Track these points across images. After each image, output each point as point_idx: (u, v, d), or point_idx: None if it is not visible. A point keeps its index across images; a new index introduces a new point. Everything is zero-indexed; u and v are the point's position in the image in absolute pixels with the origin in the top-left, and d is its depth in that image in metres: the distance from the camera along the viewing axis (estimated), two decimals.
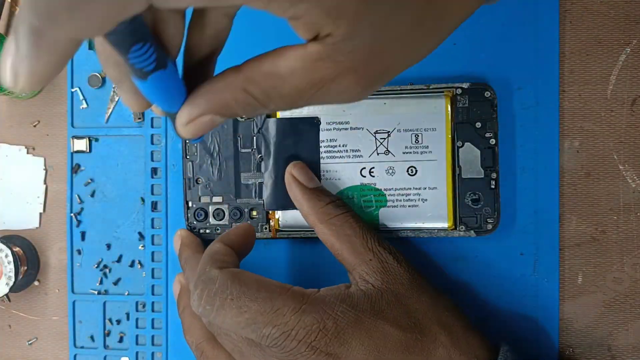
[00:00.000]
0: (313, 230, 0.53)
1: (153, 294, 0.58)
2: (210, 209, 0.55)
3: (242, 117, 0.54)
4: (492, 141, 0.52)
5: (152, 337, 0.59)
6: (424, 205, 0.52)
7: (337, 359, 0.43)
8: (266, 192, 0.54)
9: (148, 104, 0.35)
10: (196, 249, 0.53)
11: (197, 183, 0.55)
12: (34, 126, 0.60)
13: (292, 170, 0.52)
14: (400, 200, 0.53)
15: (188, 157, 0.55)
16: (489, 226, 0.52)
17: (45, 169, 0.60)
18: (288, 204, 0.53)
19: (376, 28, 0.31)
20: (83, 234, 0.59)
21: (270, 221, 0.55)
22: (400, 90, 0.53)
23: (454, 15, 0.36)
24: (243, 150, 0.55)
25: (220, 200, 0.55)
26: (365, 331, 0.44)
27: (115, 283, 0.59)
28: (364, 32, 0.30)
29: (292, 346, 0.43)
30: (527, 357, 0.53)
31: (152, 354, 0.59)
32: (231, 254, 0.49)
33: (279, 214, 0.54)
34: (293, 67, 0.32)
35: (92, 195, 0.59)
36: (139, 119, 0.58)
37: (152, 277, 0.59)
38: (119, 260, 0.59)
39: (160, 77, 0.32)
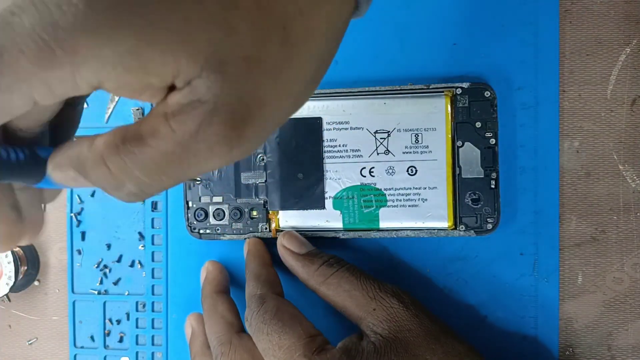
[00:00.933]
0: (313, 230, 0.53)
1: (153, 294, 0.58)
2: (210, 209, 0.55)
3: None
4: (492, 141, 0.52)
5: (152, 337, 0.59)
6: (424, 205, 0.52)
7: None
8: (269, 192, 0.54)
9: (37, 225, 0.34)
10: (217, 287, 0.54)
11: (197, 183, 0.55)
12: None
13: (283, 241, 0.53)
14: (400, 200, 0.53)
15: None
16: (489, 226, 0.52)
17: None
18: (290, 204, 0.54)
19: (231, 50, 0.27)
20: (83, 234, 0.59)
21: (271, 221, 0.55)
22: (400, 90, 0.53)
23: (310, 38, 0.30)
24: None
25: (221, 200, 0.55)
26: None
27: (115, 283, 0.59)
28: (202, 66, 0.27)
29: None
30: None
31: (152, 354, 0.59)
32: (272, 273, 0.53)
33: (279, 214, 0.54)
34: (154, 127, 0.28)
35: (92, 195, 0.59)
36: (139, 119, 0.58)
37: (152, 277, 0.59)
38: (119, 260, 0.59)
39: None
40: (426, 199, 0.52)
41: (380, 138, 0.52)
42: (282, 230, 0.54)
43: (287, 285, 0.53)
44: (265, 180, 0.54)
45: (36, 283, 0.60)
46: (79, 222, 0.59)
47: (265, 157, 0.54)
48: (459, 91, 0.52)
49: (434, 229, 0.52)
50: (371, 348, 0.46)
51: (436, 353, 0.46)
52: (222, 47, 0.27)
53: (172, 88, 0.28)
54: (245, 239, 0.55)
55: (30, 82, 0.26)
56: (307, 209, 0.54)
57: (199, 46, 0.26)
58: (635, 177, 0.53)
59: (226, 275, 0.56)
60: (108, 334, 0.59)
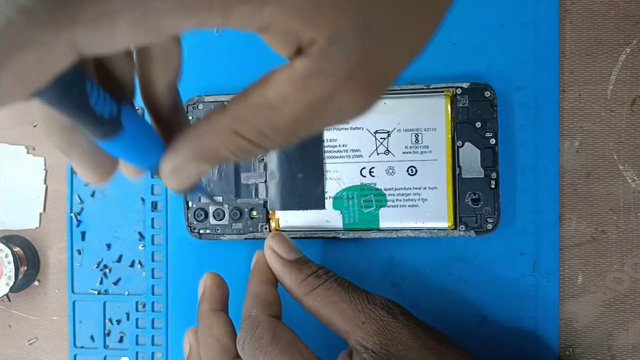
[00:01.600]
0: (313, 230, 0.53)
1: (153, 294, 0.58)
2: (210, 209, 0.55)
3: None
4: (492, 141, 0.52)
5: (152, 337, 0.59)
6: (424, 205, 0.52)
7: None
8: (269, 192, 0.54)
9: (112, 170, 0.32)
10: (214, 304, 0.50)
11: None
12: (34, 126, 0.60)
13: (271, 243, 0.50)
14: (401, 200, 0.53)
15: None
16: (489, 226, 0.52)
17: (45, 169, 0.60)
18: (290, 204, 0.54)
19: (364, 22, 0.26)
20: (83, 234, 0.59)
21: (271, 221, 0.55)
22: (400, 90, 0.53)
23: None
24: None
25: (220, 200, 0.55)
26: None
27: (115, 283, 0.59)
28: (352, 29, 0.26)
29: None
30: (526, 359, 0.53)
31: (152, 354, 0.59)
32: (271, 292, 0.49)
33: (279, 214, 0.54)
34: (283, 93, 0.28)
35: (92, 195, 0.59)
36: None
37: (152, 277, 0.59)
38: (119, 260, 0.59)
39: (129, 129, 0.29)
40: (426, 199, 0.52)
41: (381, 138, 0.52)
42: (282, 230, 0.54)
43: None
44: (265, 180, 0.54)
45: (36, 283, 0.60)
46: (79, 222, 0.59)
47: (265, 157, 0.54)
48: (459, 91, 0.52)
49: (434, 229, 0.52)
50: None
51: None
52: (364, 16, 0.26)
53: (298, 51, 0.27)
54: (245, 239, 0.55)
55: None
56: (307, 209, 0.54)
57: (344, 12, 0.26)
58: (635, 177, 0.53)
59: (225, 290, 0.52)
60: (108, 334, 0.59)
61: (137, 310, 0.59)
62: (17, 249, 0.58)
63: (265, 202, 0.55)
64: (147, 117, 0.33)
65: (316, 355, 0.45)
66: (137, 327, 0.59)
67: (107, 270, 0.59)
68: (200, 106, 0.55)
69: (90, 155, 0.30)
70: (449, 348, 0.47)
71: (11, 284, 0.57)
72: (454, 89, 0.52)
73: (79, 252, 0.59)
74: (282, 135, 0.29)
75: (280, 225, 0.54)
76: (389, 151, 0.52)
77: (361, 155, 0.53)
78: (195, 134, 0.30)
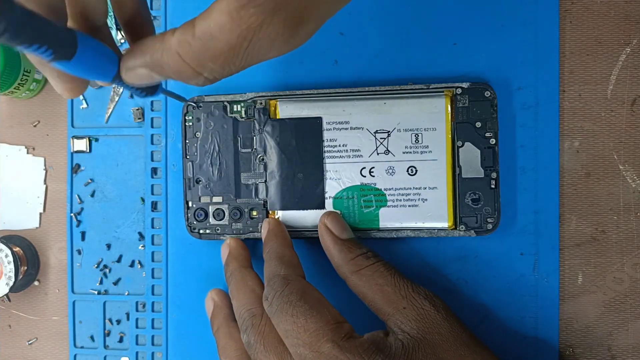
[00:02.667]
0: (313, 230, 0.53)
1: (153, 294, 0.58)
2: (210, 209, 0.55)
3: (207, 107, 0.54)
4: (492, 141, 0.52)
5: (152, 337, 0.59)
6: (424, 205, 0.52)
7: None
8: (269, 192, 0.54)
9: (83, 84, 0.37)
10: (243, 262, 0.53)
11: (197, 183, 0.55)
12: (34, 126, 0.60)
13: (326, 220, 0.52)
14: (401, 200, 0.53)
15: (188, 157, 0.55)
16: (489, 226, 0.52)
17: (45, 169, 0.60)
18: (290, 204, 0.54)
19: None
20: (83, 234, 0.59)
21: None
22: (400, 90, 0.53)
23: None
24: (243, 150, 0.55)
25: (220, 200, 0.55)
26: None
27: (115, 283, 0.59)
28: None
29: None
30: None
31: (152, 354, 0.59)
32: (295, 256, 0.51)
33: (279, 214, 0.54)
34: (220, 23, 0.31)
35: (92, 195, 0.59)
36: (139, 119, 0.58)
37: (152, 277, 0.59)
38: (119, 260, 0.59)
39: (80, 56, 0.33)
40: (426, 199, 0.52)
41: (381, 138, 0.52)
42: None
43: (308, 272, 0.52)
44: (265, 180, 0.54)
45: (36, 283, 0.60)
46: (79, 222, 0.59)
47: (265, 157, 0.54)
48: (459, 91, 0.52)
49: (434, 229, 0.52)
50: (399, 345, 0.45)
51: (464, 359, 0.46)
52: None
53: None
54: (245, 238, 0.55)
55: None
56: (307, 209, 0.54)
57: None
58: (635, 177, 0.53)
59: (248, 251, 0.55)
60: (108, 334, 0.59)
61: (137, 310, 0.59)
62: (17, 249, 0.58)
63: (265, 202, 0.55)
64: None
65: (342, 316, 0.46)
66: (137, 327, 0.59)
67: (107, 270, 0.59)
68: (201, 106, 0.55)
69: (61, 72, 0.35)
70: (482, 348, 0.47)
71: (11, 284, 0.57)
72: (454, 89, 0.52)
73: (79, 252, 0.59)
74: (219, 63, 0.33)
75: None
76: (389, 151, 0.52)
77: (361, 155, 0.53)
78: (145, 46, 0.35)
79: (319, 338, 0.44)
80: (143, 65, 0.35)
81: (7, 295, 0.57)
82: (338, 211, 0.53)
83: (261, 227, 0.54)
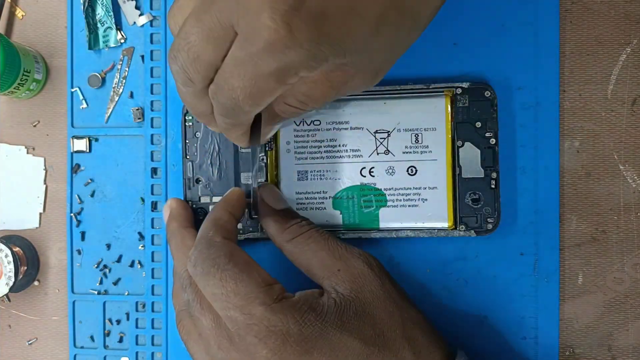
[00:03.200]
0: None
1: (153, 294, 0.58)
2: (210, 209, 0.55)
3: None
4: (492, 141, 0.52)
5: (152, 337, 0.59)
6: (424, 205, 0.52)
7: None
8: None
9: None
10: (183, 222, 0.53)
11: (197, 183, 0.55)
12: (34, 126, 0.60)
13: (262, 192, 0.53)
14: (400, 200, 0.53)
15: (188, 157, 0.55)
16: (489, 226, 0.52)
17: (45, 169, 0.60)
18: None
19: (367, 44, 0.38)
20: (83, 234, 0.59)
21: None
22: (400, 90, 0.53)
23: (423, 13, 0.42)
24: (243, 150, 0.55)
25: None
26: (329, 344, 0.44)
27: (115, 283, 0.59)
28: (360, 52, 0.38)
29: (252, 342, 0.43)
30: None
31: (152, 354, 0.59)
32: (232, 222, 0.51)
33: None
34: (317, 79, 0.39)
35: (92, 195, 0.59)
36: (139, 119, 0.58)
37: (152, 277, 0.58)
38: (119, 260, 0.59)
39: None
40: (426, 199, 0.52)
41: (380, 138, 0.52)
42: None
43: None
44: (265, 180, 0.54)
45: (36, 283, 0.60)
46: (79, 222, 0.59)
47: (265, 157, 0.54)
48: (459, 91, 0.52)
49: (434, 229, 0.52)
50: (332, 303, 0.45)
51: (393, 316, 0.46)
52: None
53: None
54: (245, 238, 0.55)
55: None
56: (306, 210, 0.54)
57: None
58: (635, 177, 0.53)
59: (190, 211, 0.55)
60: (108, 334, 0.59)
61: (137, 310, 0.59)
62: (17, 249, 0.58)
63: None
64: None
65: (273, 277, 0.46)
66: (137, 327, 0.59)
67: (107, 270, 0.59)
68: None
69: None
70: (410, 306, 0.49)
71: (11, 284, 0.57)
72: (454, 89, 0.52)
73: (79, 252, 0.59)
74: (317, 103, 0.41)
75: None
76: (388, 151, 0.52)
77: (361, 155, 0.53)
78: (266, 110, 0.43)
79: (250, 301, 0.44)
80: (265, 124, 0.46)
81: (7, 295, 0.57)
82: (271, 184, 0.54)
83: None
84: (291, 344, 0.43)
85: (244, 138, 0.46)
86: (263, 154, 0.53)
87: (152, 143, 0.58)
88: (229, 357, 0.44)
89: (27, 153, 0.60)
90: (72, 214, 0.59)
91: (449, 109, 0.52)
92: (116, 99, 0.59)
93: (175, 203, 0.55)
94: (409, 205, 0.52)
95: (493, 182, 0.52)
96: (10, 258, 0.57)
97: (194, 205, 0.55)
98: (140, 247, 0.59)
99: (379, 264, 0.49)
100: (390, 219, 0.53)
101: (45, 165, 0.60)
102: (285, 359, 0.43)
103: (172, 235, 0.53)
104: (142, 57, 0.58)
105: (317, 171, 0.53)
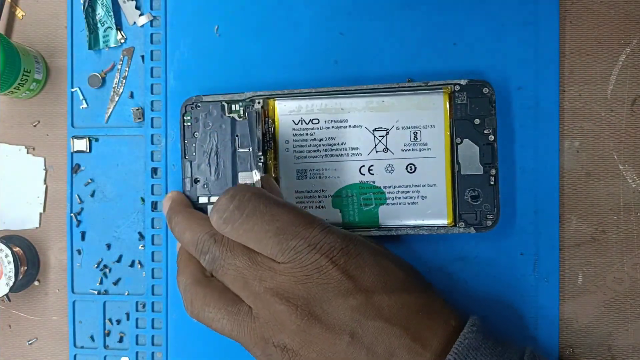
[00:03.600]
0: None
1: (153, 294, 0.58)
2: (209, 209, 0.55)
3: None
4: (491, 137, 0.52)
5: (152, 337, 0.59)
6: (423, 203, 0.52)
7: (353, 280, 0.44)
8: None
9: None
10: (188, 205, 0.55)
11: (196, 183, 0.55)
12: (34, 126, 0.60)
13: (263, 183, 0.52)
14: (400, 198, 0.53)
15: (187, 157, 0.55)
16: (489, 222, 0.52)
17: (45, 169, 0.60)
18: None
19: None
20: (83, 234, 0.59)
21: None
22: (399, 87, 0.53)
23: None
24: (240, 150, 0.55)
25: None
26: (377, 263, 0.46)
27: (115, 283, 0.59)
28: None
29: (314, 259, 0.44)
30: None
31: (152, 354, 0.58)
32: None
33: None
34: None
35: (92, 195, 0.59)
36: (139, 119, 0.58)
37: (152, 277, 0.59)
38: (119, 260, 0.59)
39: None
40: (425, 197, 0.52)
41: (379, 136, 0.52)
42: None
43: None
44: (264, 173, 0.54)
45: (36, 283, 0.60)
46: (79, 222, 0.59)
47: (262, 157, 0.54)
48: (457, 88, 0.52)
49: (434, 226, 0.52)
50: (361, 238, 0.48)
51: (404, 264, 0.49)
52: None
53: None
54: None
55: None
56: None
57: None
58: (635, 177, 0.53)
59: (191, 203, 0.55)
60: (108, 334, 0.59)
61: (137, 310, 0.59)
62: (17, 249, 0.58)
63: None
64: None
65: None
66: (137, 327, 0.59)
67: (107, 270, 0.59)
68: (199, 106, 0.55)
69: None
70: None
71: (11, 284, 0.57)
72: (452, 86, 0.52)
73: (79, 252, 0.59)
74: None
75: None
76: (387, 149, 0.52)
77: (360, 154, 0.53)
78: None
79: (308, 227, 0.45)
80: None
81: (7, 295, 0.57)
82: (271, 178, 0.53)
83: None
84: (349, 257, 0.45)
85: None
86: (261, 153, 0.53)
87: (152, 143, 0.58)
88: (274, 283, 0.45)
89: (27, 153, 0.60)
90: (72, 214, 0.59)
91: (448, 106, 0.52)
92: (116, 99, 0.59)
93: (178, 194, 0.55)
94: (409, 203, 0.52)
95: (492, 178, 0.52)
96: (11, 258, 0.57)
97: (193, 205, 0.55)
98: (140, 247, 0.59)
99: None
100: (389, 217, 0.53)
101: (45, 165, 0.60)
102: (343, 269, 0.44)
103: (179, 213, 0.52)
104: (142, 57, 0.58)
105: (317, 170, 0.53)
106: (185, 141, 0.55)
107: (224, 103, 0.54)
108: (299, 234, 0.44)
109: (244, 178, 0.54)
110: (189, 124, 0.55)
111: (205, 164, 0.55)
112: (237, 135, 0.55)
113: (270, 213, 0.45)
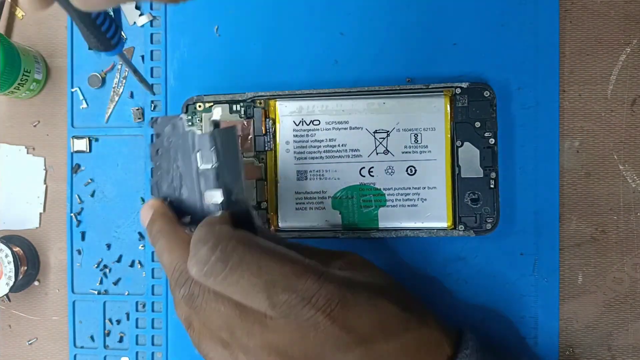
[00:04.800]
0: (312, 230, 0.53)
1: (153, 294, 0.58)
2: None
3: None
4: (492, 141, 0.52)
5: (152, 337, 0.59)
6: (423, 205, 0.52)
7: (351, 333, 0.41)
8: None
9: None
10: (172, 220, 0.46)
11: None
12: (34, 126, 0.60)
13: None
14: (400, 200, 0.53)
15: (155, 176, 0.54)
16: (488, 226, 0.52)
17: (45, 169, 0.60)
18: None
19: None
20: (83, 234, 0.59)
21: (270, 221, 0.55)
22: (400, 89, 0.53)
23: None
24: (202, 167, 0.53)
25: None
26: (374, 306, 0.43)
27: (115, 283, 0.59)
28: None
29: (308, 315, 0.40)
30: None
31: (152, 354, 0.59)
32: (227, 219, 0.44)
33: (278, 214, 0.54)
34: None
35: (92, 195, 0.59)
36: (139, 119, 0.58)
37: (152, 277, 0.59)
38: (119, 260, 0.59)
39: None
40: (425, 199, 0.52)
41: (380, 138, 0.52)
42: (281, 230, 0.54)
43: None
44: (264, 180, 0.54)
45: (36, 283, 0.60)
46: (79, 222, 0.59)
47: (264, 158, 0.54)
48: (458, 91, 0.52)
49: (434, 229, 0.52)
50: (361, 276, 0.46)
51: (403, 291, 0.48)
52: None
53: None
54: None
55: None
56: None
57: None
58: (635, 177, 0.53)
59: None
60: (108, 334, 0.59)
61: (137, 310, 0.59)
62: (17, 249, 0.58)
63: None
64: None
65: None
66: (137, 327, 0.59)
67: (107, 270, 0.59)
68: (200, 106, 0.55)
69: None
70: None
71: (11, 284, 0.57)
72: (453, 89, 0.52)
73: (79, 252, 0.59)
74: None
75: (280, 225, 0.54)
76: (388, 151, 0.52)
77: (360, 155, 0.53)
78: None
79: (301, 278, 0.41)
80: None
81: (7, 295, 0.58)
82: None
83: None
84: (348, 308, 0.41)
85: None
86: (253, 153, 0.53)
87: (152, 143, 0.58)
88: (266, 341, 0.41)
89: (27, 153, 0.60)
90: (72, 214, 0.59)
91: (448, 108, 0.52)
92: (116, 99, 0.59)
93: (159, 202, 0.47)
94: (408, 205, 0.52)
95: (492, 182, 0.52)
96: (11, 258, 0.57)
97: None
98: (140, 247, 0.59)
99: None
100: (389, 219, 0.53)
101: (45, 165, 0.60)
102: (341, 324, 0.41)
103: (160, 231, 0.46)
104: (142, 57, 0.58)
105: (317, 171, 0.53)
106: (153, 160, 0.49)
107: (182, 116, 0.47)
108: (291, 287, 0.40)
109: (209, 197, 0.45)
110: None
111: (168, 185, 0.48)
112: (197, 151, 0.46)
113: (257, 265, 0.40)
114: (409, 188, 0.52)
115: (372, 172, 0.53)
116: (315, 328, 0.40)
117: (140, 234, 0.59)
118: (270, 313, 0.40)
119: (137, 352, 0.59)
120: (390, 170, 0.53)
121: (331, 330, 0.41)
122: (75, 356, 0.60)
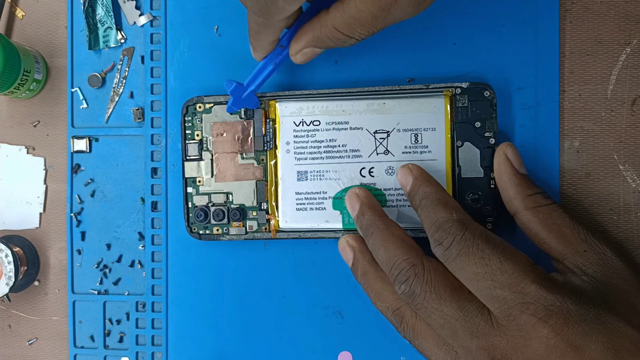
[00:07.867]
0: (313, 231, 0.53)
1: (153, 294, 0.58)
2: (210, 209, 0.55)
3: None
4: (492, 140, 0.52)
5: (152, 337, 0.59)
6: None
7: (580, 352, 0.40)
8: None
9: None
10: (380, 211, 0.51)
11: (197, 183, 0.55)
12: (34, 126, 0.60)
13: (506, 151, 0.50)
14: (400, 200, 0.53)
15: (188, 157, 0.55)
16: (489, 225, 0.52)
17: (45, 169, 0.60)
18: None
19: None
20: (83, 234, 0.59)
21: (270, 221, 0.54)
22: (400, 90, 0.53)
23: None
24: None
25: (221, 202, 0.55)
26: (605, 328, 0.41)
27: (115, 283, 0.59)
28: None
29: (529, 322, 0.41)
30: None
31: (152, 354, 0.59)
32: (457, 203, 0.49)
33: (279, 214, 0.54)
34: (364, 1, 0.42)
35: (92, 195, 0.59)
36: (139, 119, 0.58)
37: (152, 277, 0.59)
38: (119, 260, 0.59)
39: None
40: None
41: (380, 138, 0.52)
42: (282, 231, 0.54)
43: None
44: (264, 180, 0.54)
45: (36, 283, 0.60)
46: (79, 222, 0.59)
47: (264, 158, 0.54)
48: (458, 91, 0.52)
49: None
50: (590, 287, 0.44)
51: None
52: None
53: None
54: (245, 239, 0.55)
55: None
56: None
57: None
58: (635, 177, 0.53)
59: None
60: (108, 334, 0.59)
61: (137, 310, 0.59)
62: (17, 249, 0.58)
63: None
64: None
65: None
66: (137, 327, 0.59)
67: (107, 270, 0.59)
68: (200, 106, 0.55)
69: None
70: None
71: (11, 284, 0.57)
72: (454, 89, 0.52)
73: (79, 252, 0.59)
74: (364, 29, 0.44)
75: (280, 226, 0.54)
76: (388, 151, 0.52)
77: (360, 156, 0.53)
78: (307, 29, 0.47)
79: (520, 280, 0.42)
80: (308, 44, 0.48)
81: (7, 295, 0.57)
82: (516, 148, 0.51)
83: (398, 174, 0.52)
84: (572, 324, 0.41)
85: (271, 46, 0.50)
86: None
87: (152, 143, 0.58)
88: (489, 343, 0.43)
89: (27, 153, 0.60)
90: (72, 214, 0.59)
91: (449, 108, 0.52)
92: (116, 99, 0.59)
93: (364, 191, 0.52)
94: (409, 206, 0.52)
95: (492, 181, 0.52)
96: (11, 258, 0.57)
97: (194, 206, 0.55)
98: (140, 247, 0.59)
99: (628, 256, 0.49)
100: None
101: (45, 165, 0.60)
102: (566, 339, 0.40)
103: (372, 224, 0.50)
104: (142, 57, 0.58)
105: (317, 171, 0.53)
106: (187, 142, 0.55)
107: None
108: (509, 285, 0.42)
109: None
110: (190, 124, 0.55)
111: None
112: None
113: (481, 256, 0.44)
114: None
115: (372, 172, 0.53)
116: (538, 338, 0.41)
117: (140, 234, 0.59)
118: (496, 308, 0.43)
119: (137, 352, 0.59)
120: (390, 171, 0.53)
121: (554, 344, 0.41)
122: (75, 356, 0.60)
